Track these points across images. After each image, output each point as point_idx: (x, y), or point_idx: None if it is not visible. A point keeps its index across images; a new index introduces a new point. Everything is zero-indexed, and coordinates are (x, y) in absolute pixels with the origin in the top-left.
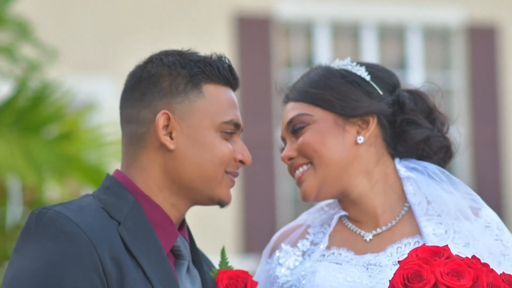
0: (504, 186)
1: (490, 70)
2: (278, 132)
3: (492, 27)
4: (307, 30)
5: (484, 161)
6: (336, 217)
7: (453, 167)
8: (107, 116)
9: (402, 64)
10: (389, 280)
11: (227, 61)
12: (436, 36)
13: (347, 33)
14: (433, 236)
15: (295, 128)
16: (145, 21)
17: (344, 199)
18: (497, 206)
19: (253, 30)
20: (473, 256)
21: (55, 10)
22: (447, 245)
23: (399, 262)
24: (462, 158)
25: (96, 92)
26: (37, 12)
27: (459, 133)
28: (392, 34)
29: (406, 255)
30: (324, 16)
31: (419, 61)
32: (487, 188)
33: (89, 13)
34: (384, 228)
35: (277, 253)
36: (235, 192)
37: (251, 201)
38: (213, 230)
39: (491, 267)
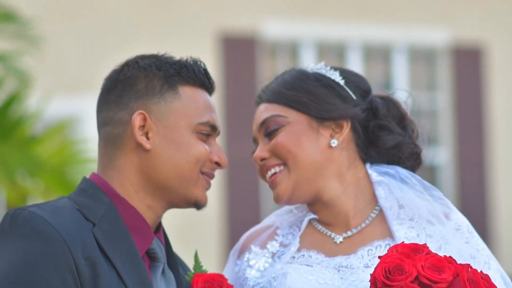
0: (489, 206)
1: (476, 91)
2: None
3: (478, 48)
4: (292, 50)
5: (469, 182)
6: (306, 220)
7: (438, 187)
8: (92, 134)
9: (388, 85)
10: (371, 274)
11: (202, 64)
12: (421, 57)
13: (332, 54)
14: (405, 239)
15: (269, 130)
16: (130, 40)
17: (315, 202)
18: (482, 226)
19: (239, 50)
20: (450, 256)
21: (40, 27)
22: (425, 243)
23: (379, 257)
24: (447, 178)
25: (81, 111)
26: None
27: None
28: (378, 55)
29: (377, 258)
30: (309, 37)
31: (404, 82)
32: (472, 209)
33: (74, 30)
34: (354, 230)
35: (247, 255)
36: (220, 211)
37: (236, 221)
38: (198, 248)
39: None
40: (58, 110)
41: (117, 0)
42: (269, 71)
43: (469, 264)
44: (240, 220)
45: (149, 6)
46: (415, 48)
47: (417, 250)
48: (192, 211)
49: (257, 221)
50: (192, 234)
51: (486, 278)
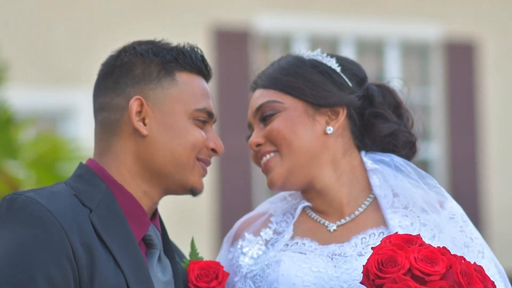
0: (481, 202)
1: (468, 86)
2: None
3: (470, 43)
4: (285, 44)
5: (461, 177)
6: (300, 207)
7: None
8: (84, 127)
9: (380, 79)
10: (363, 265)
11: (199, 51)
12: (414, 52)
13: (325, 48)
14: (399, 228)
15: (264, 115)
16: (121, 34)
17: (309, 190)
18: (474, 221)
19: (232, 44)
20: (444, 247)
21: (31, 21)
22: (419, 234)
23: (372, 248)
24: (439, 173)
25: (71, 104)
26: (13, 22)
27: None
28: (370, 49)
29: (371, 246)
30: (302, 31)
31: (397, 77)
32: (464, 204)
33: (65, 24)
34: (348, 218)
35: (240, 242)
36: (212, 207)
37: (228, 217)
38: (189, 236)
39: None
40: (47, 103)
41: None
42: (262, 64)
43: (463, 256)
44: (232, 209)
45: None
46: (408, 42)
47: (410, 241)
48: (184, 200)
49: (248, 210)
50: (183, 223)
51: (479, 270)
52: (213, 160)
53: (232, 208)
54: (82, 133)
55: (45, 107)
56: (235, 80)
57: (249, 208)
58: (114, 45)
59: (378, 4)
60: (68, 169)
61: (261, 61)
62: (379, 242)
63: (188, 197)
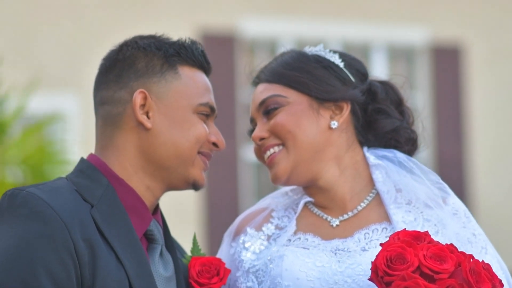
0: (467, 205)
1: (454, 90)
2: (242, 150)
3: (457, 47)
4: (271, 48)
5: (448, 180)
6: (302, 202)
7: None
8: (73, 132)
9: None
10: (372, 262)
11: (200, 46)
12: (400, 56)
13: None
14: (402, 223)
15: (268, 109)
16: (109, 39)
17: (312, 185)
18: None
19: (217, 48)
20: (451, 244)
21: (20, 25)
22: (427, 231)
23: (381, 244)
24: None
25: (60, 109)
26: (0, 27)
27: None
28: (356, 53)
29: (374, 241)
30: (288, 34)
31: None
32: None
33: (53, 28)
34: (350, 214)
35: (242, 237)
36: (198, 210)
37: (214, 220)
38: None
39: None
40: (37, 108)
41: None
42: (249, 68)
43: (472, 255)
44: (218, 209)
45: (128, 3)
46: (394, 46)
47: (418, 238)
48: (172, 199)
49: (234, 210)
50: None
51: (487, 268)
52: None
53: (218, 209)
54: (70, 139)
55: (32, 112)
56: (221, 84)
57: (235, 208)
58: (101, 51)
59: (364, 8)
60: (56, 172)
61: (247, 65)
62: (383, 238)
63: (175, 197)
